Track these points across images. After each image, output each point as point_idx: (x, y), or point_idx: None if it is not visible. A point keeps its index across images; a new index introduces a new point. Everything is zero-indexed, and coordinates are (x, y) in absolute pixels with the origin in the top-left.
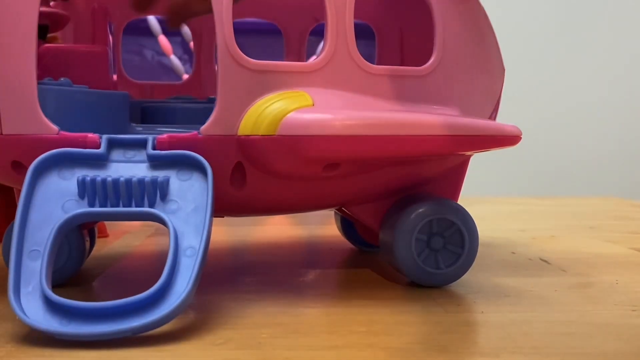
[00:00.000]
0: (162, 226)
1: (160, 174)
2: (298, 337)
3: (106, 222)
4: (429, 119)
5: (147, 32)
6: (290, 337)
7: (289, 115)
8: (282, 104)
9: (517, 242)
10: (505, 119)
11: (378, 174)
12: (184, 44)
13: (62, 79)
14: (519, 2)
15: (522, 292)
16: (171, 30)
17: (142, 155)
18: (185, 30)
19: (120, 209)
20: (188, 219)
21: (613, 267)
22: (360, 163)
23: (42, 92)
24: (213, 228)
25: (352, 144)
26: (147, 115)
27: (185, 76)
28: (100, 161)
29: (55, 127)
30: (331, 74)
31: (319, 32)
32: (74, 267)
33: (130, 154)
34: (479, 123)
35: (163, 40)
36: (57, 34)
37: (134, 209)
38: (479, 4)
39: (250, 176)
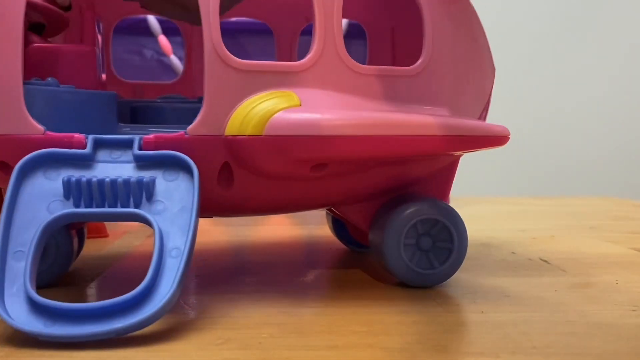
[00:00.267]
0: (149, 227)
1: (146, 175)
2: (298, 337)
3: (106, 222)
4: (418, 119)
5: (147, 32)
6: (290, 337)
7: (276, 115)
8: (270, 104)
9: (517, 242)
10: (505, 119)
11: (367, 174)
12: (184, 44)
13: (49, 79)
14: (520, 2)
15: (522, 292)
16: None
17: (128, 155)
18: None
19: (106, 209)
20: (174, 220)
21: (613, 267)
22: (348, 163)
23: (29, 92)
24: (213, 228)
25: (340, 144)
26: (137, 115)
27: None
28: (86, 161)
29: (41, 127)
30: (319, 74)
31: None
32: (62, 268)
33: (116, 154)
34: (469, 123)
35: (163, 40)
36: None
37: (119, 209)
38: (470, 4)
39: (237, 176)
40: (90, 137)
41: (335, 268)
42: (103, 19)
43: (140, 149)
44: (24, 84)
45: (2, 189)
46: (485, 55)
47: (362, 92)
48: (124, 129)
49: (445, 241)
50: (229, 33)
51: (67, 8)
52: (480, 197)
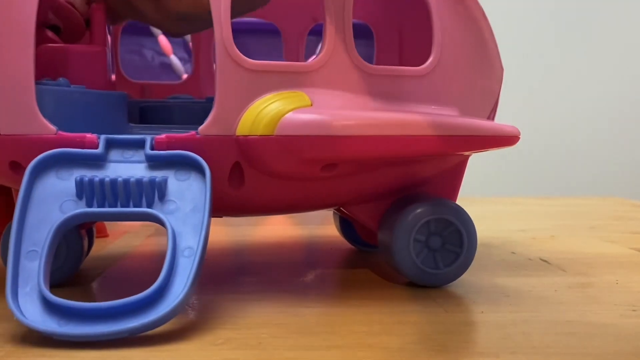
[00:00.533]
0: (162, 226)
1: (158, 174)
2: (298, 337)
3: (106, 222)
4: (427, 119)
5: (147, 32)
6: (290, 337)
7: (287, 115)
8: (280, 104)
9: (517, 242)
10: (505, 119)
11: (376, 174)
12: (184, 44)
13: (60, 79)
14: (520, 2)
15: (522, 292)
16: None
17: (140, 155)
18: None
19: (118, 209)
20: (186, 219)
21: (613, 267)
22: (358, 163)
23: (40, 92)
24: (213, 228)
25: (350, 145)
26: (146, 115)
27: (185, 76)
28: (98, 161)
29: (53, 128)
30: (329, 74)
31: (317, 32)
32: (72, 268)
33: (128, 154)
34: (478, 123)
35: (163, 40)
36: None
37: (132, 209)
38: (478, 4)
39: (248, 176)
40: (102, 137)
41: (335, 268)
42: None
43: (152, 148)
44: (36, 84)
45: (15, 190)
46: (493, 55)
47: (372, 92)
48: (134, 129)
49: (454, 245)
50: (236, 33)
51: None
52: (481, 197)
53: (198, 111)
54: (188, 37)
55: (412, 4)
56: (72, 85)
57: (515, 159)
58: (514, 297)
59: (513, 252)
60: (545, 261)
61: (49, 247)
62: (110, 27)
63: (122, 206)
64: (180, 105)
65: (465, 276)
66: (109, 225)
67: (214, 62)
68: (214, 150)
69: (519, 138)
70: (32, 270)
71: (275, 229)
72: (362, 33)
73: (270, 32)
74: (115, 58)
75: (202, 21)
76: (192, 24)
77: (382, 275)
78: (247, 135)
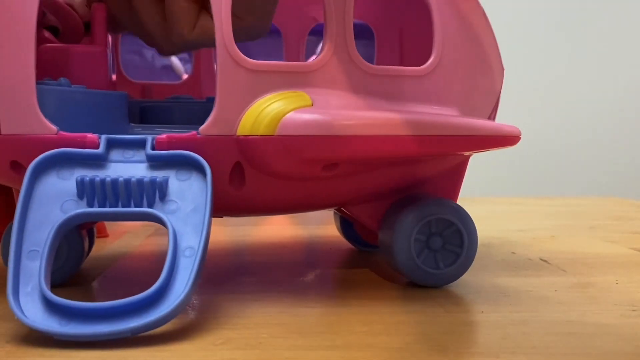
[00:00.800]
0: (162, 226)
1: (159, 174)
2: (298, 337)
3: (106, 222)
4: (428, 119)
5: None
6: (290, 337)
7: (287, 115)
8: (281, 104)
9: (517, 242)
10: (505, 119)
11: (377, 174)
12: None
13: (61, 79)
14: (520, 2)
15: (522, 292)
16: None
17: (141, 155)
18: None
19: (119, 209)
20: (187, 219)
21: (613, 267)
22: (359, 163)
23: (41, 92)
24: (213, 228)
25: (352, 144)
26: (146, 115)
27: (185, 76)
28: (99, 161)
29: (54, 127)
30: (330, 74)
31: (317, 32)
32: (73, 268)
33: (129, 154)
34: (479, 123)
35: None
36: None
37: (132, 209)
38: (478, 4)
39: (249, 176)
40: (103, 137)
41: (335, 268)
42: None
43: (153, 148)
44: (37, 84)
45: (16, 189)
46: (494, 55)
47: (373, 92)
48: (135, 129)
49: (455, 245)
50: None
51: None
52: (481, 197)
53: (198, 111)
54: None
55: (413, 4)
56: (73, 85)
57: (515, 159)
58: (514, 297)
59: (513, 252)
60: (545, 261)
61: (50, 247)
62: None
63: (123, 206)
64: (180, 105)
65: (465, 276)
66: (109, 225)
67: (215, 62)
68: (214, 150)
69: (519, 138)
70: (33, 270)
71: (275, 229)
72: (362, 33)
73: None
74: (115, 58)
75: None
76: (192, 47)
77: (382, 275)
78: (248, 135)
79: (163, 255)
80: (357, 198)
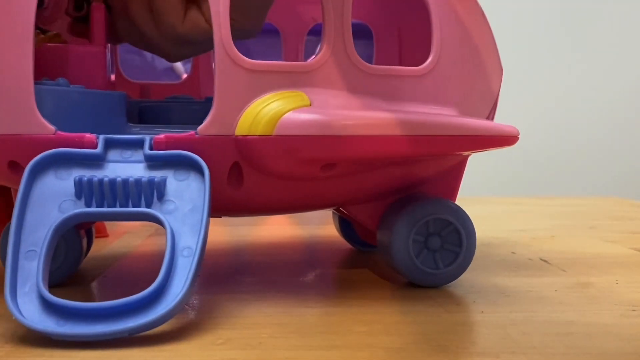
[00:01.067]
0: (161, 226)
1: (157, 174)
2: (298, 337)
3: (106, 222)
4: (427, 119)
5: None
6: (290, 337)
7: (286, 115)
8: (280, 104)
9: (517, 242)
10: (505, 119)
11: (376, 174)
12: None
13: (59, 79)
14: (520, 2)
15: (522, 292)
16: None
17: (139, 155)
18: None
19: (117, 209)
20: (185, 219)
21: (613, 267)
22: (357, 163)
23: (39, 92)
24: (212, 228)
25: (350, 144)
26: (145, 115)
27: (184, 76)
28: (97, 161)
29: (52, 127)
30: (329, 74)
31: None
32: (71, 268)
33: (127, 154)
34: (477, 123)
35: None
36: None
37: (130, 209)
38: (477, 4)
39: (247, 176)
40: (101, 137)
41: (335, 268)
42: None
43: (151, 148)
44: (35, 84)
45: (14, 189)
46: (492, 55)
47: (371, 92)
48: (134, 129)
49: (453, 245)
50: None
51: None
52: (481, 197)
53: (197, 111)
54: None
55: (411, 5)
56: (71, 85)
57: (515, 159)
58: (514, 297)
59: (513, 252)
60: (545, 261)
61: (48, 247)
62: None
63: (121, 206)
64: (179, 105)
65: (465, 276)
66: (109, 225)
67: (213, 62)
68: (213, 150)
69: (518, 138)
70: (31, 270)
71: (275, 229)
72: (361, 33)
73: (268, 31)
74: (114, 58)
75: (201, 45)
76: (191, 47)
77: (382, 275)
78: (246, 135)
79: (163, 256)
80: (355, 198)
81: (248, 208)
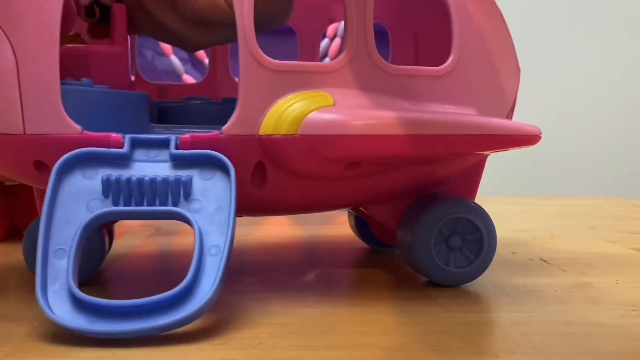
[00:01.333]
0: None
1: (183, 174)
2: (298, 337)
3: None
4: (450, 118)
5: None
6: (290, 337)
7: (310, 115)
8: (304, 104)
9: (517, 242)
10: None
11: (398, 173)
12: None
13: (83, 79)
14: (520, 2)
15: (522, 292)
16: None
17: (164, 154)
18: None
19: (145, 207)
20: (212, 218)
21: (613, 267)
22: (381, 162)
23: (64, 92)
24: None
25: (373, 144)
26: (165, 115)
27: (185, 76)
28: (123, 160)
29: (78, 127)
30: (351, 74)
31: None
32: (93, 267)
33: (152, 153)
34: (500, 122)
35: None
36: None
37: (158, 207)
38: (495, 5)
39: (271, 176)
40: (127, 136)
41: (335, 268)
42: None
43: (176, 148)
44: (60, 83)
45: (37, 189)
46: (511, 55)
47: (393, 92)
48: (156, 129)
49: (474, 242)
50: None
51: (96, 16)
52: (481, 197)
53: (216, 112)
54: None
55: (428, 6)
56: (95, 85)
57: (516, 159)
58: (514, 297)
59: (513, 252)
60: (545, 261)
61: (77, 245)
62: None
63: (148, 205)
64: (198, 105)
65: None
66: None
67: (230, 61)
68: (237, 149)
69: (540, 137)
70: (61, 268)
71: (275, 229)
72: (377, 34)
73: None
74: (132, 59)
75: (221, 30)
76: (210, 32)
77: (382, 275)
78: (270, 134)
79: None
80: (377, 197)
81: (271, 207)
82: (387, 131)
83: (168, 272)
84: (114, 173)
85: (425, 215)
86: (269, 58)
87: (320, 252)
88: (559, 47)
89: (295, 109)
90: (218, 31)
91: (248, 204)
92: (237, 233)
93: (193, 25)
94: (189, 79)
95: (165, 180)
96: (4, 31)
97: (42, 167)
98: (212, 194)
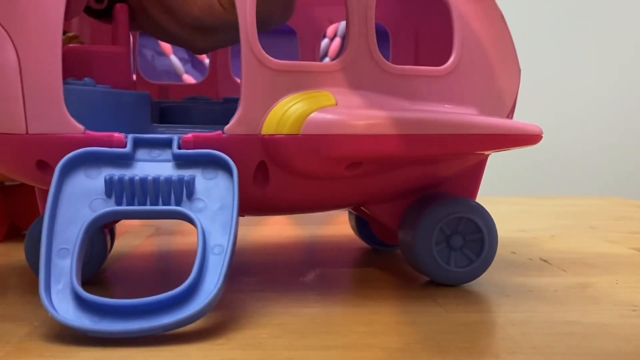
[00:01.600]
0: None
1: (186, 173)
2: (298, 337)
3: None
4: (451, 118)
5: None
6: (290, 337)
7: (312, 114)
8: (306, 104)
9: (517, 242)
10: None
11: (399, 173)
12: None
13: (85, 79)
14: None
15: (522, 292)
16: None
17: (167, 154)
18: None
19: (148, 207)
20: (215, 218)
21: (613, 267)
22: (382, 162)
23: (67, 92)
24: None
25: (375, 143)
26: (166, 115)
27: (186, 76)
28: (126, 160)
29: (81, 127)
30: (353, 74)
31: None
32: (95, 267)
33: (155, 153)
34: (501, 122)
35: None
36: (78, 34)
37: (161, 207)
38: (496, 5)
39: (273, 175)
40: (130, 136)
41: (335, 268)
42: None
43: (179, 148)
44: (63, 83)
45: (39, 189)
46: (512, 55)
47: (395, 92)
48: (159, 129)
49: (475, 242)
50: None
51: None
52: (481, 197)
53: (217, 112)
54: None
55: (429, 6)
56: (98, 85)
57: (516, 159)
58: (514, 297)
59: (513, 252)
60: (545, 261)
61: (80, 245)
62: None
63: (151, 204)
64: (199, 105)
65: None
66: None
67: (230, 62)
68: (239, 149)
69: (541, 137)
70: (64, 267)
71: (275, 229)
72: (377, 34)
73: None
74: (134, 59)
75: (222, 33)
76: (211, 36)
77: (382, 275)
78: (272, 134)
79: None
80: (378, 197)
81: (273, 207)
82: (389, 131)
83: (168, 271)
84: (116, 173)
85: (427, 215)
86: (271, 58)
87: (320, 252)
88: (559, 47)
89: (298, 109)
90: (220, 34)
91: (250, 204)
92: (238, 233)
93: (193, 30)
94: (189, 79)
95: (168, 180)
96: (6, 31)
97: (45, 167)
98: (214, 194)
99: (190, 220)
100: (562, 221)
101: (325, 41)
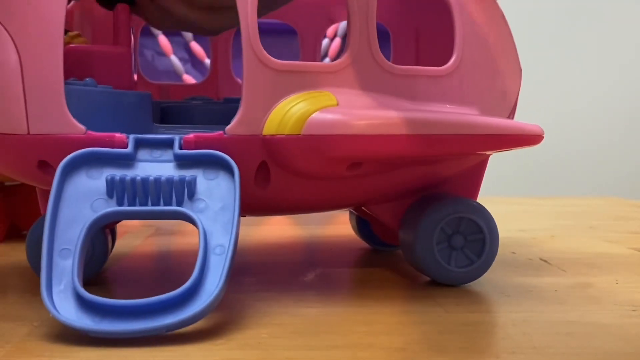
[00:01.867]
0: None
1: (187, 174)
2: (298, 337)
3: None
4: (452, 118)
5: (147, 32)
6: (290, 337)
7: (314, 115)
8: (307, 104)
9: (517, 242)
10: None
11: (400, 172)
12: (184, 44)
13: (87, 79)
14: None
15: (522, 292)
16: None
17: (168, 154)
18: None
19: (149, 207)
20: (216, 218)
21: (613, 267)
22: (383, 162)
23: (68, 92)
24: None
25: (376, 144)
26: (167, 115)
27: (186, 76)
28: (127, 160)
29: (82, 127)
30: (354, 74)
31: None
32: (96, 267)
33: (156, 153)
34: (502, 122)
35: (163, 40)
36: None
37: (162, 207)
38: (497, 5)
39: (274, 175)
40: (131, 136)
41: (335, 268)
42: (132, 21)
43: (180, 148)
44: (64, 84)
45: (40, 189)
46: (512, 55)
47: (396, 92)
48: (160, 129)
49: (476, 242)
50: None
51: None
52: (481, 197)
53: (217, 112)
54: (189, 37)
55: (430, 6)
56: (99, 86)
57: (516, 159)
58: (514, 297)
59: (513, 252)
60: (545, 261)
61: (82, 245)
62: (132, 28)
63: (152, 205)
64: (200, 106)
65: None
66: None
67: (231, 61)
68: (240, 149)
69: (542, 137)
70: (66, 268)
71: (275, 229)
72: (378, 34)
73: (284, 31)
74: (135, 59)
75: (231, 11)
76: (220, 15)
77: (382, 275)
78: (274, 134)
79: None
80: (379, 197)
81: (274, 207)
82: (390, 131)
83: (169, 272)
84: (118, 173)
85: (428, 215)
86: (272, 58)
87: (320, 252)
88: (560, 47)
89: (299, 109)
90: (229, 13)
91: (251, 204)
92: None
93: (207, 12)
94: (189, 79)
95: (169, 180)
96: (7, 31)
97: (46, 167)
98: (216, 194)
99: (192, 221)
100: (562, 221)
101: (325, 41)
